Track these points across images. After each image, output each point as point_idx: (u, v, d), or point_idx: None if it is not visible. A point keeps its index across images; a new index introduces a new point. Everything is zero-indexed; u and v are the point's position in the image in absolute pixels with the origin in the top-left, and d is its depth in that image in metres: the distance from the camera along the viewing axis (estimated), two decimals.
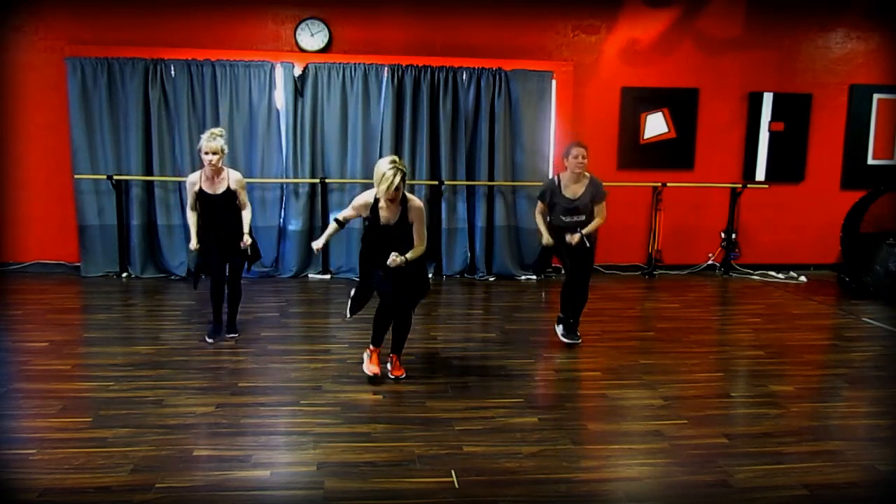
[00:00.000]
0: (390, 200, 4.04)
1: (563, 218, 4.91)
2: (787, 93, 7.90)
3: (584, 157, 4.80)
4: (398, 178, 3.91)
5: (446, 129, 7.31)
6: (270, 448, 3.39)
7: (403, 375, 4.38)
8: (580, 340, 5.14)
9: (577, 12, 7.58)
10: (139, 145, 7.05)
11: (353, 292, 4.44)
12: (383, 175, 3.91)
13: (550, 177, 5.24)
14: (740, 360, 5.02)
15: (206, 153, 4.76)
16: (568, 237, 4.86)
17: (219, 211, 4.93)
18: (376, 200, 4.12)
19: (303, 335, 5.50)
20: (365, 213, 4.21)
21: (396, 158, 4.02)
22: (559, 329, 5.19)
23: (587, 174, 4.90)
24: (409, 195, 4.21)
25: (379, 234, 4.20)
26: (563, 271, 5.25)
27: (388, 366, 4.42)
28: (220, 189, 4.90)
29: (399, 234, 4.17)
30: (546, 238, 4.95)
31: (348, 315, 4.42)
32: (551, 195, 4.94)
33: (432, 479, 3.09)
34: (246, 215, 5.01)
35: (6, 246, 7.30)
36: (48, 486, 2.97)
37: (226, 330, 5.18)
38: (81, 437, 3.43)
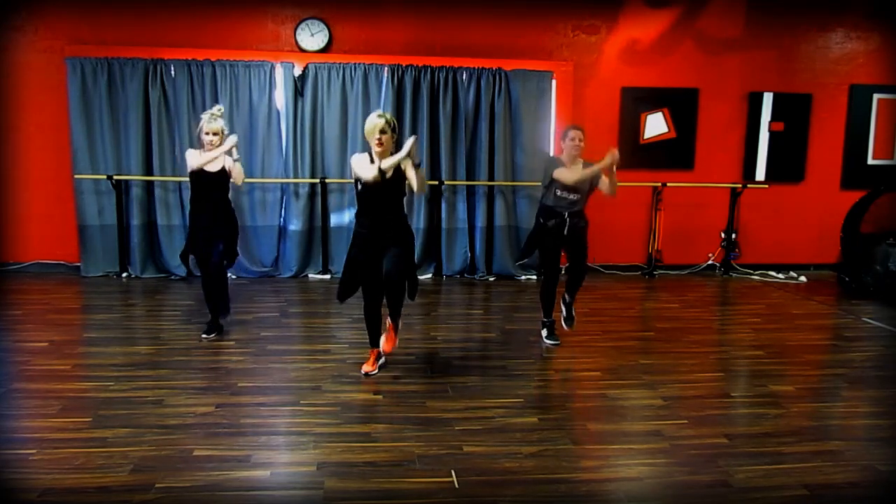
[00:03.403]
0: (378, 147, 4.08)
1: (559, 193, 4.85)
2: (787, 93, 7.90)
3: (580, 140, 4.80)
4: (379, 119, 4.08)
5: (446, 129, 7.30)
6: (270, 448, 3.39)
7: (395, 347, 4.41)
8: (574, 325, 5.14)
9: (577, 12, 7.58)
10: (139, 145, 7.05)
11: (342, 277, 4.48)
12: (368, 120, 4.13)
13: (551, 155, 5.21)
14: (740, 360, 5.02)
15: (207, 133, 4.83)
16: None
17: (211, 190, 4.94)
18: (371, 159, 4.16)
19: (303, 335, 5.50)
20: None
21: (384, 113, 4.18)
22: (544, 333, 5.19)
23: (581, 160, 4.87)
24: None
25: (375, 190, 4.15)
26: (543, 273, 5.24)
27: (383, 338, 4.43)
28: (216, 168, 4.94)
29: (394, 189, 4.17)
30: (605, 160, 4.66)
31: (339, 300, 4.45)
32: (559, 166, 4.86)
33: (432, 479, 3.09)
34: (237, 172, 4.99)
35: (6, 246, 7.30)
36: (48, 486, 2.97)
37: (205, 328, 5.16)
38: (81, 437, 3.43)
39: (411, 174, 4.11)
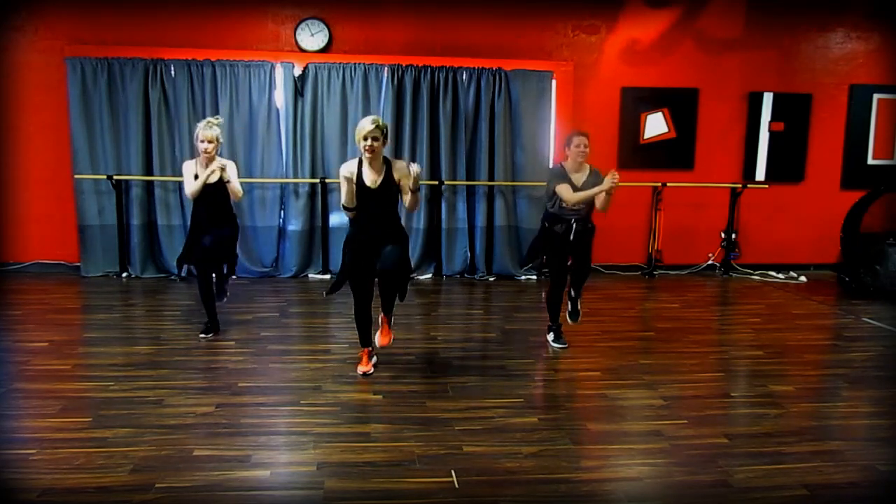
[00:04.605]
0: (369, 153, 4.05)
1: (564, 205, 4.83)
2: (787, 93, 7.90)
3: (585, 147, 4.77)
4: (372, 125, 4.02)
5: (446, 129, 7.31)
6: (270, 448, 3.39)
7: (391, 342, 4.38)
8: (579, 320, 5.13)
9: (577, 12, 7.58)
10: (139, 145, 7.05)
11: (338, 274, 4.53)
12: (360, 125, 4.07)
13: (552, 166, 5.18)
14: (740, 360, 5.02)
15: (202, 141, 4.79)
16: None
17: (211, 201, 4.92)
18: (360, 163, 4.16)
19: (303, 335, 5.50)
20: (353, 180, 4.19)
21: (378, 118, 4.15)
22: (550, 337, 5.15)
23: (587, 165, 4.87)
24: (392, 158, 4.28)
25: (365, 198, 4.17)
26: (547, 275, 5.22)
27: (378, 334, 4.40)
28: (213, 178, 4.90)
29: (385, 196, 4.17)
30: (605, 184, 4.63)
31: (324, 293, 4.44)
32: (562, 178, 4.83)
33: (432, 479, 3.09)
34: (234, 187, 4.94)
35: (6, 246, 7.30)
36: (48, 486, 2.97)
37: (216, 297, 5.21)
38: (81, 437, 3.43)
39: (407, 197, 4.15)
